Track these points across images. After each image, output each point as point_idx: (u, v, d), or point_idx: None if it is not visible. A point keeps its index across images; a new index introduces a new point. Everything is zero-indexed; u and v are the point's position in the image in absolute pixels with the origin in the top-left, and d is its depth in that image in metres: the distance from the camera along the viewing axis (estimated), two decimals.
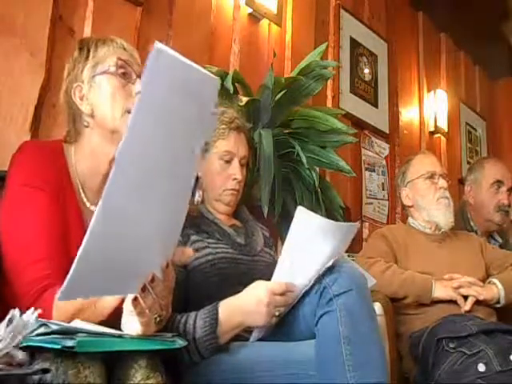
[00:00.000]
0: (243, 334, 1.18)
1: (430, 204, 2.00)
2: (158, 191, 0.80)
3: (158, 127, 0.75)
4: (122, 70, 1.16)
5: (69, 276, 0.71)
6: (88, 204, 1.16)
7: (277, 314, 1.11)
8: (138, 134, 0.72)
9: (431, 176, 2.02)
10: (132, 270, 0.83)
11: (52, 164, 1.11)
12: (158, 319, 0.88)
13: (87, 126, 1.16)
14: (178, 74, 0.74)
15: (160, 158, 0.78)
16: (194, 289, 1.24)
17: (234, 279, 1.28)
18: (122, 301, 0.91)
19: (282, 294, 1.11)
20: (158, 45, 0.69)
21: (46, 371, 0.74)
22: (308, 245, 1.11)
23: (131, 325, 0.88)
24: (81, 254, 0.71)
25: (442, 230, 1.99)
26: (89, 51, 1.16)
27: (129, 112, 1.14)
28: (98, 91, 1.14)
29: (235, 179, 1.43)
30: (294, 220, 1.12)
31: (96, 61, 1.15)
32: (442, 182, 2.00)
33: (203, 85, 0.80)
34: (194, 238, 1.32)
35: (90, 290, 0.78)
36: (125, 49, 1.19)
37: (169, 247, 0.89)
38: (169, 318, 0.99)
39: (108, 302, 0.93)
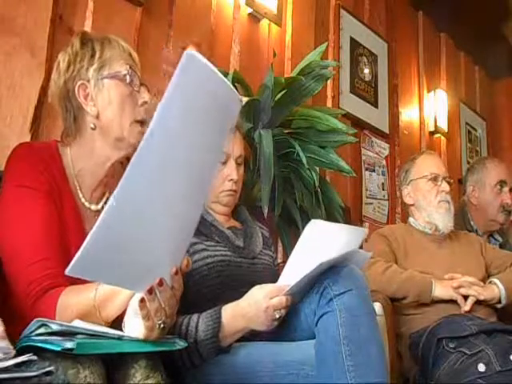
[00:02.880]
0: (244, 335, 1.18)
1: (430, 206, 2.00)
2: (175, 196, 0.80)
3: (179, 132, 0.75)
4: (130, 78, 1.14)
5: (79, 252, 0.70)
6: (86, 203, 1.15)
7: (277, 316, 1.11)
8: (160, 135, 0.72)
9: (434, 178, 2.02)
10: (141, 268, 0.83)
11: (46, 164, 1.11)
12: (161, 325, 0.87)
13: (93, 129, 1.14)
14: (206, 82, 0.74)
15: (179, 163, 0.78)
16: (193, 291, 1.24)
17: (233, 282, 1.28)
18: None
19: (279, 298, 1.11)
20: (190, 51, 0.70)
21: (48, 374, 0.74)
22: (317, 248, 1.12)
23: (135, 326, 0.88)
24: (93, 233, 0.70)
25: (441, 232, 1.99)
26: (94, 49, 1.14)
27: (136, 122, 1.14)
28: (106, 95, 1.12)
29: (231, 180, 1.43)
30: (307, 228, 1.15)
31: (103, 63, 1.13)
32: (445, 186, 2.00)
33: (229, 98, 0.81)
34: (192, 240, 1.32)
35: (97, 273, 0.77)
36: (130, 54, 1.18)
37: (179, 254, 0.89)
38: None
39: (113, 311, 0.93)
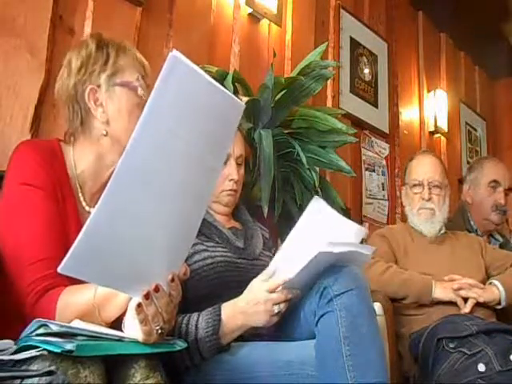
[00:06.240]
0: (244, 334, 1.18)
1: (412, 213, 2.03)
2: (171, 204, 0.80)
3: (166, 139, 0.74)
4: (142, 89, 1.14)
5: (70, 251, 0.70)
6: (87, 207, 1.15)
7: (276, 311, 1.12)
8: (144, 143, 0.72)
9: (418, 185, 2.01)
10: (136, 272, 0.83)
11: (49, 163, 1.10)
12: (159, 331, 0.87)
13: (105, 135, 1.14)
14: (192, 85, 0.73)
15: (172, 168, 0.77)
16: (193, 291, 1.24)
17: (233, 283, 1.28)
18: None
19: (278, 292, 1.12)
20: (175, 53, 0.69)
21: (48, 373, 0.74)
22: (312, 234, 1.13)
23: (133, 330, 0.88)
24: (83, 233, 0.71)
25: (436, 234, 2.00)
26: (108, 55, 1.14)
27: None
28: (116, 103, 1.13)
29: (232, 180, 1.43)
30: (308, 208, 1.19)
31: (116, 69, 1.13)
32: (424, 193, 1.99)
33: (222, 101, 0.80)
34: None
35: (90, 274, 0.77)
36: (143, 65, 1.19)
37: (177, 261, 0.89)
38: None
39: (112, 312, 0.93)
